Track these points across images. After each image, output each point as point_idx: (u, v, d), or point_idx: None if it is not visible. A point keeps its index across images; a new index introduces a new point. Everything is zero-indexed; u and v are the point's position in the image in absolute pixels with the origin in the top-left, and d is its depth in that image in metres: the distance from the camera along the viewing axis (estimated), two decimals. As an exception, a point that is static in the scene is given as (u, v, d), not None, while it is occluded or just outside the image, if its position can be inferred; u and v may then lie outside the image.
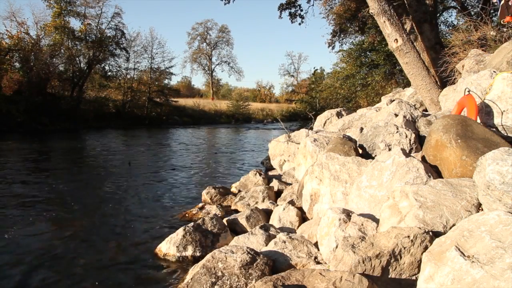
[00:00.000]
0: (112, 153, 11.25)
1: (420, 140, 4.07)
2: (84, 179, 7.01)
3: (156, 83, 30.41)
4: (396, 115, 4.75)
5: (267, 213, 4.29)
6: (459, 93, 4.08)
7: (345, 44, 17.27)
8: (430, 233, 2.06)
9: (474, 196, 2.22)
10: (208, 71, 51.22)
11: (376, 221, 2.60)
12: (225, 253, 2.59)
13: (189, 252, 3.26)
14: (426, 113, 5.62)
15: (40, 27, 23.40)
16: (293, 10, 13.21)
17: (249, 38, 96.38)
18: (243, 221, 3.92)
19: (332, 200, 3.40)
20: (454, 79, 5.70)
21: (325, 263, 2.60)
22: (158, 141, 15.78)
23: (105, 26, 26.70)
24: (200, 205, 4.93)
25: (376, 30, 14.07)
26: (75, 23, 34.61)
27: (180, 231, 3.37)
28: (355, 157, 3.58)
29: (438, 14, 13.44)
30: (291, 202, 4.38)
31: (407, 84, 12.05)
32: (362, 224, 2.56)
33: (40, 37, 23.38)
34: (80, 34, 24.87)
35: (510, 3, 5.77)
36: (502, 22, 5.75)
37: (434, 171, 2.82)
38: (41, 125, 19.47)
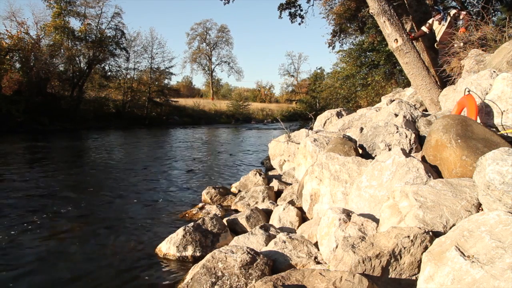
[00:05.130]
0: (112, 153, 11.25)
1: (420, 140, 4.07)
2: (83, 179, 7.01)
3: (156, 83, 30.44)
4: (396, 115, 4.75)
5: (267, 213, 4.29)
6: (459, 93, 4.08)
7: (345, 44, 17.26)
8: (430, 233, 2.06)
9: (474, 196, 2.22)
10: (208, 71, 51.25)
11: (376, 221, 2.60)
12: (225, 253, 2.59)
13: (189, 252, 3.26)
14: (426, 113, 5.62)
15: (40, 27, 23.44)
16: (293, 10, 13.21)
17: (249, 38, 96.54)
18: (243, 221, 3.92)
19: (332, 200, 3.40)
20: (454, 79, 5.70)
21: (325, 263, 2.60)
22: (158, 141, 15.78)
23: (105, 26, 26.76)
24: (200, 205, 4.93)
25: (376, 30, 14.06)
26: (75, 23, 34.64)
27: (180, 231, 3.37)
28: (355, 157, 3.58)
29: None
30: (291, 202, 4.38)
31: (407, 84, 12.04)
32: (362, 224, 2.56)
33: (40, 37, 23.41)
34: (80, 34, 24.88)
35: (461, 17, 5.89)
36: (438, 45, 5.99)
37: (434, 171, 2.82)
38: (41, 125, 19.47)
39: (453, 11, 6.15)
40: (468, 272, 1.60)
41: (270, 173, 7.09)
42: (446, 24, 6.11)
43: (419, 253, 1.99)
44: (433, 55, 7.32)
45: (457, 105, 3.74)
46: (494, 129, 3.25)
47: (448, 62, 5.91)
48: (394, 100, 6.09)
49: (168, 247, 3.32)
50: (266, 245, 3.07)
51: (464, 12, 6.00)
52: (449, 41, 5.91)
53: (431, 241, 2.01)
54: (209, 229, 3.50)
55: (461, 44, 5.75)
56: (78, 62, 25.39)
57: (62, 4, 24.19)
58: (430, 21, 6.57)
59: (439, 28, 6.34)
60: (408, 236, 2.03)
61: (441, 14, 6.21)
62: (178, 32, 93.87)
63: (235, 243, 3.25)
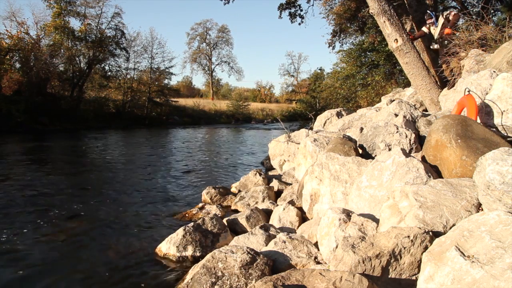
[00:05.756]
0: (112, 153, 11.25)
1: (420, 140, 4.07)
2: (83, 179, 7.01)
3: (156, 83, 30.43)
4: (396, 115, 4.75)
5: (267, 213, 4.29)
6: (459, 93, 4.08)
7: (345, 44, 17.27)
8: (430, 233, 2.06)
9: (474, 196, 2.22)
10: (208, 71, 51.23)
11: (376, 221, 2.60)
12: (225, 253, 2.59)
13: (189, 252, 3.26)
14: (426, 113, 5.62)
15: (40, 27, 23.40)
16: (293, 10, 13.22)
17: (249, 38, 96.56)
18: (243, 221, 3.92)
19: (332, 200, 3.40)
20: (455, 79, 5.71)
21: (325, 263, 2.60)
22: (158, 141, 15.78)
23: (105, 26, 26.72)
24: (200, 205, 4.93)
25: (376, 30, 14.06)
26: (75, 23, 34.59)
27: (180, 231, 3.37)
28: (355, 157, 3.58)
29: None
30: (291, 202, 4.38)
31: (407, 84, 12.05)
32: (362, 224, 2.56)
33: (40, 37, 23.36)
34: (80, 34, 24.86)
35: (450, 17, 5.92)
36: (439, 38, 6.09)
37: (434, 171, 2.82)
38: (41, 125, 19.47)
39: (446, 12, 6.20)
40: (468, 272, 1.60)
41: (270, 173, 7.10)
42: (439, 26, 6.15)
43: (419, 253, 1.99)
44: (433, 55, 7.33)
45: (457, 105, 3.74)
46: (494, 129, 3.25)
47: (448, 62, 5.93)
48: (394, 100, 6.09)
49: (168, 247, 3.32)
50: (266, 245, 3.07)
51: (454, 12, 6.01)
52: (449, 41, 5.94)
53: (431, 241, 2.01)
54: (209, 229, 3.50)
55: (435, 46, 5.92)
56: (78, 62, 25.38)
57: (62, 4, 24.16)
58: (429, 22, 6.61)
59: (434, 31, 6.39)
60: (408, 236, 2.03)
61: (432, 19, 6.25)
62: (178, 32, 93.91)
63: (235, 243, 3.25)
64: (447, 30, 5.93)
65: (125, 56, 28.86)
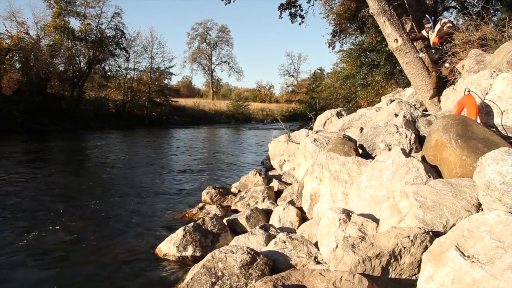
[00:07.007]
0: (112, 154, 11.25)
1: (420, 140, 4.07)
2: (83, 180, 7.00)
3: (156, 83, 30.45)
4: (396, 115, 4.75)
5: (267, 213, 4.29)
6: (459, 93, 4.08)
7: (345, 44, 17.29)
8: (430, 233, 2.06)
9: (474, 196, 2.22)
10: (208, 71, 51.22)
11: (376, 221, 2.60)
12: (225, 253, 2.59)
13: (189, 252, 3.26)
14: (426, 113, 5.62)
15: (40, 27, 23.43)
16: (293, 10, 13.25)
17: (249, 38, 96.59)
18: (243, 221, 3.92)
19: (332, 200, 3.40)
20: (454, 79, 5.71)
21: (325, 263, 2.60)
22: (158, 141, 15.78)
23: (105, 26, 26.78)
24: (200, 205, 4.93)
25: (376, 30, 14.07)
26: (75, 23, 34.48)
27: (180, 231, 3.37)
28: (355, 157, 3.58)
29: (438, 14, 13.42)
30: (291, 202, 4.38)
31: (407, 84, 12.04)
32: (362, 224, 2.56)
33: (40, 37, 23.40)
34: (80, 34, 24.88)
35: (445, 28, 5.94)
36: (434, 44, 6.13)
37: (434, 171, 2.82)
38: (41, 125, 19.48)
39: (443, 20, 6.21)
40: (468, 272, 1.60)
41: (270, 173, 7.09)
42: (435, 32, 6.16)
43: (419, 253, 1.99)
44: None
45: (457, 105, 3.74)
46: (494, 129, 3.25)
47: (438, 71, 5.95)
48: (394, 100, 6.09)
49: (168, 247, 3.32)
50: (266, 245, 3.07)
51: (449, 25, 6.01)
52: (437, 50, 6.00)
53: (431, 241, 2.01)
54: (209, 229, 3.50)
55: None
56: (78, 62, 25.42)
57: (62, 4, 24.19)
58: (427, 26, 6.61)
59: (431, 36, 6.40)
60: (408, 236, 2.03)
61: (430, 23, 6.26)
62: (178, 32, 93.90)
63: (235, 243, 3.25)
64: (434, 39, 5.97)
65: (125, 56, 28.93)
